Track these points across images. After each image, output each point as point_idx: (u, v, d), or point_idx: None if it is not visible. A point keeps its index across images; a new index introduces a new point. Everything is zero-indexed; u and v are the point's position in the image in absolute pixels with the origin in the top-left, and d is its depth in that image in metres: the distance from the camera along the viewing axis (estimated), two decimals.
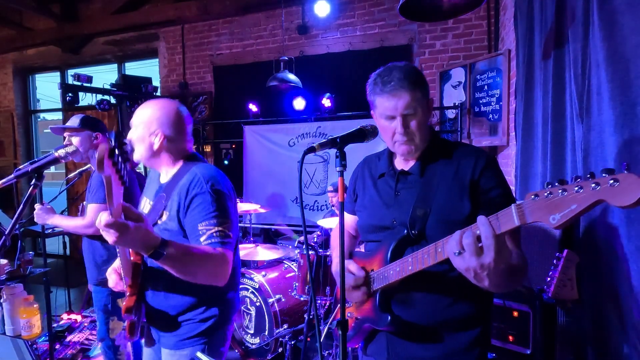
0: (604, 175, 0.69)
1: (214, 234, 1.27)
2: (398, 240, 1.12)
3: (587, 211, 0.72)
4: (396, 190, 1.19)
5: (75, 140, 2.13)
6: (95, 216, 1.98)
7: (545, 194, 0.76)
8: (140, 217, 1.08)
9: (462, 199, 1.09)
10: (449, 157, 1.16)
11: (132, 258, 1.30)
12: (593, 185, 0.69)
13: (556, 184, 0.75)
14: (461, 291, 1.09)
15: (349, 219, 1.42)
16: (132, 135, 1.43)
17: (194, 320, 1.39)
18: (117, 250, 1.23)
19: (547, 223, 0.75)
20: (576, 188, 0.72)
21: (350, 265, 1.18)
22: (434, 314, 1.11)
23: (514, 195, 1.14)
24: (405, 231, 1.11)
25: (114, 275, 1.40)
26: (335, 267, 1.36)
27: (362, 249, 1.33)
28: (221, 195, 1.33)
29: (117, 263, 1.42)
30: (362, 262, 1.21)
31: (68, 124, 2.16)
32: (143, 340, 1.52)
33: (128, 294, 1.30)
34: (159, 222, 1.40)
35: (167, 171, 1.46)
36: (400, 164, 1.23)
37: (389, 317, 1.10)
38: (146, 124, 1.40)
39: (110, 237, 1.03)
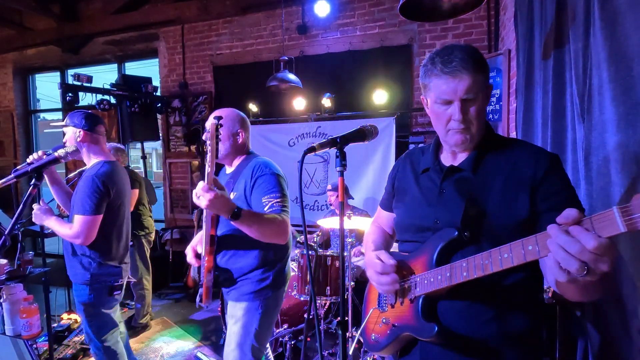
0: None
1: (275, 204, 1.65)
2: (447, 243, 0.99)
3: None
4: (441, 187, 1.07)
5: (67, 136, 2.08)
6: (83, 228, 1.98)
7: None
8: (224, 187, 1.51)
9: (518, 201, 0.96)
10: (505, 153, 1.03)
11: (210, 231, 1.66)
12: None
13: None
14: (513, 301, 0.96)
15: (385, 216, 1.34)
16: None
17: (251, 280, 1.75)
18: (203, 224, 1.61)
19: None
20: None
21: (382, 255, 1.11)
22: (479, 327, 0.99)
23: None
24: (457, 233, 0.98)
25: (191, 253, 1.74)
26: (366, 260, 1.24)
27: (396, 249, 1.25)
28: (278, 177, 1.73)
29: (194, 241, 1.78)
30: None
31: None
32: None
33: (207, 258, 1.65)
34: None
35: (232, 164, 1.89)
36: (447, 159, 1.12)
37: (436, 328, 0.97)
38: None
39: (203, 201, 1.37)
